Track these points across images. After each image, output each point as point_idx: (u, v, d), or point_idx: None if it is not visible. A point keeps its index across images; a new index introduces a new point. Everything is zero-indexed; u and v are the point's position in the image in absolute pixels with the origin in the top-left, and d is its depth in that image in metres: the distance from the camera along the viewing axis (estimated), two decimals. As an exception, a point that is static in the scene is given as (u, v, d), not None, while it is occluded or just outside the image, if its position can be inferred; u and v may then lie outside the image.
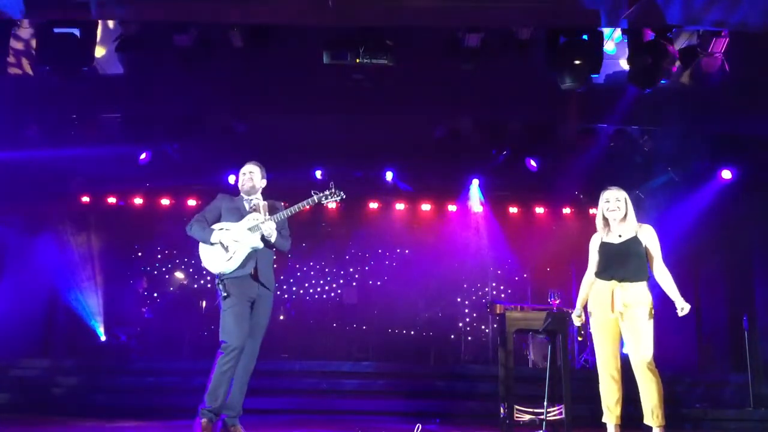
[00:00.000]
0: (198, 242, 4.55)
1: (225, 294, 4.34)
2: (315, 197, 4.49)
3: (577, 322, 4.51)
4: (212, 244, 4.46)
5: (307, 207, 4.51)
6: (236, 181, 4.85)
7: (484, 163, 9.33)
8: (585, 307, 4.47)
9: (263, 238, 4.45)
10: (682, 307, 4.20)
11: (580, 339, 4.56)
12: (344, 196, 4.49)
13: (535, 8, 5.29)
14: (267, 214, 4.56)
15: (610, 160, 8.39)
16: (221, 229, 4.51)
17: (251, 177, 4.65)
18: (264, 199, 4.72)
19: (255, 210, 4.56)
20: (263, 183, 4.73)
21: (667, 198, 8.83)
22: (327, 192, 4.51)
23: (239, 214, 4.55)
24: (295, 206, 4.50)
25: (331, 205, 4.53)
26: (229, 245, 4.42)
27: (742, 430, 6.58)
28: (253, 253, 4.45)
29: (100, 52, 6.32)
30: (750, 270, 8.62)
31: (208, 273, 5.17)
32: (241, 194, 4.69)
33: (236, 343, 4.26)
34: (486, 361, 9.34)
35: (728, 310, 8.71)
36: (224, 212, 4.59)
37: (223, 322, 4.33)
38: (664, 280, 4.28)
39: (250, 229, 4.45)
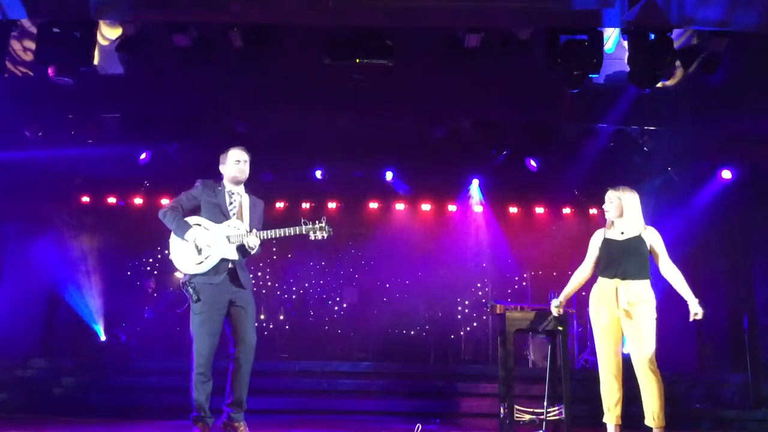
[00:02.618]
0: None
1: (195, 298, 4.16)
2: (303, 228, 4.32)
3: (555, 311, 4.59)
4: (184, 240, 4.22)
5: (292, 234, 4.32)
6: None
7: (484, 163, 9.31)
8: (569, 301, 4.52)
9: (239, 249, 4.28)
10: (696, 312, 4.11)
11: (560, 329, 4.63)
12: (332, 233, 4.37)
13: (535, 8, 5.28)
14: (248, 214, 4.41)
15: (610, 160, 8.39)
16: (197, 225, 4.29)
17: (245, 167, 4.43)
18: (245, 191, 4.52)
19: (237, 215, 4.37)
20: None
21: (667, 198, 8.83)
22: (317, 225, 4.35)
23: (220, 213, 4.33)
24: (281, 230, 4.31)
25: (318, 236, 4.36)
26: (203, 249, 4.21)
27: (742, 430, 6.58)
28: (226, 261, 4.28)
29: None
30: (750, 270, 8.63)
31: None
32: (225, 183, 4.45)
33: (205, 351, 4.16)
34: (486, 361, 9.32)
35: (728, 310, 8.71)
36: (206, 206, 4.35)
37: (193, 329, 4.18)
38: (675, 279, 4.24)
39: (228, 237, 4.26)
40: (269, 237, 4.32)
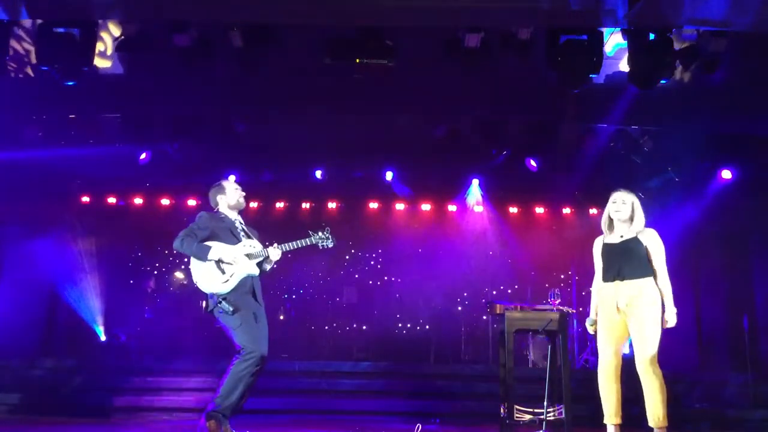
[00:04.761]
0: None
1: (232, 309, 4.28)
2: (313, 239, 4.56)
3: (591, 330, 4.43)
4: (207, 261, 4.36)
5: (303, 245, 4.56)
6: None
7: (484, 163, 9.33)
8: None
9: (259, 265, 4.50)
10: (668, 320, 4.16)
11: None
12: (331, 246, 4.60)
13: (535, 8, 5.28)
14: (254, 235, 4.63)
15: (610, 160, 8.39)
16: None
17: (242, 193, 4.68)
18: None
19: (247, 235, 4.57)
20: None
21: (667, 198, 8.83)
22: (324, 234, 4.57)
23: (232, 236, 4.49)
24: (294, 243, 4.53)
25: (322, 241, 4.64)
26: (227, 267, 4.37)
27: (742, 430, 6.57)
28: (248, 277, 4.47)
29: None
30: (750, 270, 8.63)
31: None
32: (228, 211, 4.62)
33: (258, 348, 4.25)
34: (486, 361, 9.33)
35: (728, 310, 8.71)
36: (218, 231, 4.49)
37: (241, 333, 4.27)
38: (663, 287, 4.24)
39: (249, 255, 4.45)
40: (286, 250, 4.54)
